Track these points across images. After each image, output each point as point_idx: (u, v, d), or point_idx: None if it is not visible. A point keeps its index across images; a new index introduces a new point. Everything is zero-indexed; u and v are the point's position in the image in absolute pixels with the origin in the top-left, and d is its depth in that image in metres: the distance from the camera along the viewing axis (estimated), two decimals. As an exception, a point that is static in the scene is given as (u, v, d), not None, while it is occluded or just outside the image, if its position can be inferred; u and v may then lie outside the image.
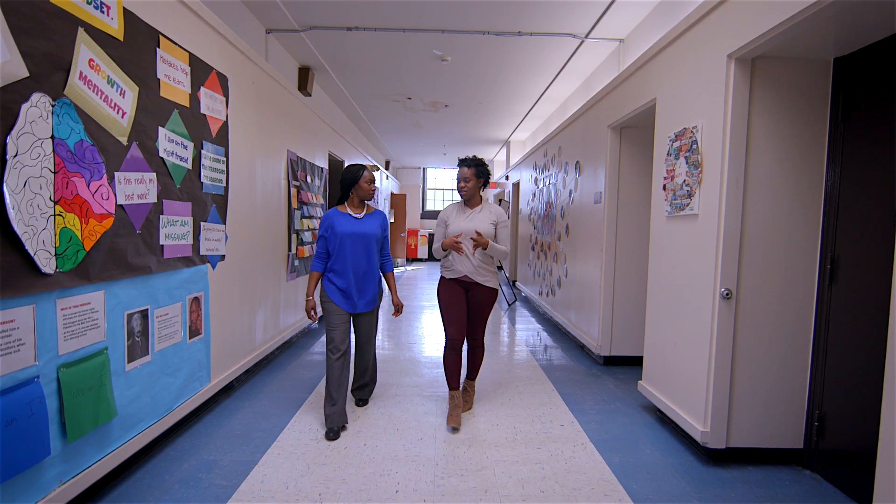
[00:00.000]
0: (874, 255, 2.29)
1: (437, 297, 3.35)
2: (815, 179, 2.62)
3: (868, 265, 2.35)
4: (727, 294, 2.63)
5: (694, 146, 2.87)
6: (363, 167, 3.17)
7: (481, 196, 3.35)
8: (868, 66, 2.40)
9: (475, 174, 3.22)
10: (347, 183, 3.17)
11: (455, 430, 3.12)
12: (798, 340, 2.68)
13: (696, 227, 2.87)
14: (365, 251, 3.12)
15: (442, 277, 3.34)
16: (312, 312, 3.17)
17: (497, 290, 3.28)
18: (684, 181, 2.98)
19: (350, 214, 3.15)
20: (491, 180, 3.19)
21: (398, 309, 3.37)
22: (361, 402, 3.50)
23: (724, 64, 2.60)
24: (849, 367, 2.46)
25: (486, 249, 3.13)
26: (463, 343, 3.29)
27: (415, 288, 10.11)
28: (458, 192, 3.27)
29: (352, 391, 3.50)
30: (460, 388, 3.37)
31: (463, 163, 3.26)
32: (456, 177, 3.28)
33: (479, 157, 3.28)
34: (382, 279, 3.38)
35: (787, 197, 2.63)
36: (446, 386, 3.94)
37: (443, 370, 4.37)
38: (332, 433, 2.98)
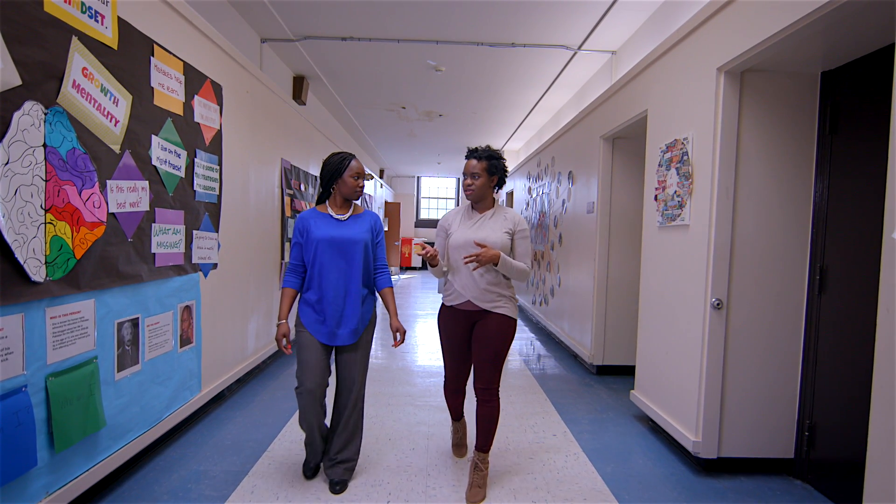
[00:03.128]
0: (862, 265, 2.32)
1: (437, 329, 2.68)
2: (803, 190, 2.66)
3: (856, 275, 2.38)
4: (718, 304, 2.65)
5: (685, 157, 2.90)
6: (348, 156, 2.44)
7: (494, 198, 2.61)
8: (854, 80, 2.44)
9: (486, 169, 2.47)
10: (328, 176, 2.44)
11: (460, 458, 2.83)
12: (788, 350, 2.70)
13: (687, 237, 2.89)
14: (347, 262, 2.40)
15: (442, 305, 2.62)
16: (285, 340, 2.41)
17: (515, 320, 2.50)
18: (675, 192, 3.00)
19: (331, 216, 2.45)
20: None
21: (399, 335, 2.50)
22: (339, 485, 2.49)
23: (714, 77, 2.64)
24: (838, 377, 2.47)
25: (496, 265, 2.38)
26: (464, 387, 2.70)
27: (408, 296, 10.09)
28: (464, 191, 2.53)
29: (325, 468, 2.56)
30: (463, 418, 2.87)
31: (472, 154, 2.51)
32: (463, 173, 2.56)
33: (494, 147, 2.55)
34: (374, 300, 2.62)
35: (776, 208, 2.66)
36: (438, 396, 3.94)
37: (434, 379, 4.38)
38: (308, 469, 2.59)
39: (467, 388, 2.78)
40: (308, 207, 5.46)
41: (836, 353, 2.49)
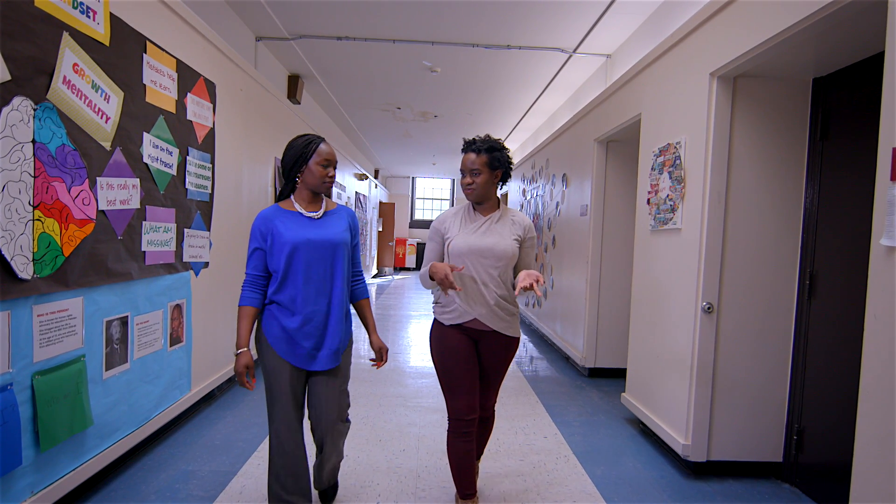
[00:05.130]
0: (851, 270, 2.33)
1: (429, 350, 2.23)
2: (794, 195, 2.67)
3: (846, 281, 2.39)
4: (708, 308, 2.66)
5: (677, 161, 2.91)
6: (315, 139, 2.01)
7: (498, 198, 2.22)
8: (845, 87, 2.46)
9: (487, 163, 2.06)
10: (291, 163, 2.00)
11: None
12: (778, 354, 2.71)
13: (678, 241, 2.91)
14: (330, 270, 1.99)
15: (436, 322, 2.18)
16: (248, 375, 1.91)
17: (519, 338, 2.20)
18: (668, 195, 3.01)
19: (301, 213, 2.00)
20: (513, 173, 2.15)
21: (381, 355, 2.18)
22: (331, 489, 2.33)
23: (707, 82, 2.65)
24: (827, 382, 2.49)
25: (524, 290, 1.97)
26: (476, 420, 2.16)
27: (401, 297, 10.08)
28: (464, 191, 2.14)
29: (317, 491, 2.31)
30: (476, 495, 2.23)
31: (469, 146, 2.10)
32: (461, 170, 2.14)
33: (496, 138, 2.14)
34: (351, 315, 2.16)
35: (767, 212, 2.68)
36: (430, 397, 3.93)
37: (426, 380, 4.37)
38: None
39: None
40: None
41: (825, 357, 2.51)
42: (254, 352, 1.98)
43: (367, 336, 2.21)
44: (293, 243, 1.93)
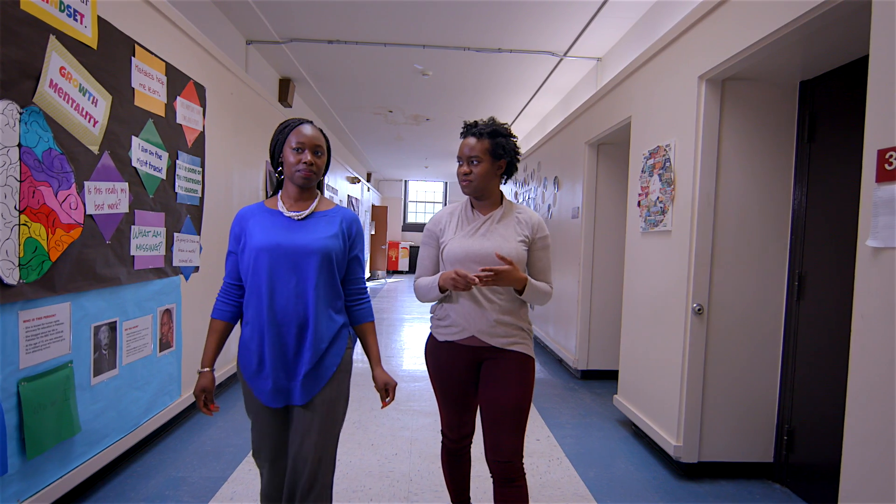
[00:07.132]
0: (839, 271, 2.35)
1: (426, 368, 1.94)
2: (782, 197, 2.70)
3: (833, 282, 2.41)
4: (699, 309, 2.67)
5: (667, 164, 2.93)
6: (292, 122, 1.66)
7: (502, 193, 1.88)
8: (831, 90, 2.48)
9: (489, 150, 1.74)
10: (270, 154, 1.70)
11: None
12: (767, 355, 2.73)
13: (669, 242, 2.92)
14: (303, 284, 1.58)
15: (432, 338, 1.89)
16: (205, 399, 1.63)
17: (534, 360, 1.82)
18: (658, 198, 3.03)
19: (282, 212, 1.64)
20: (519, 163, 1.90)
21: (387, 391, 1.74)
22: None
23: (696, 84, 2.67)
24: (816, 382, 2.51)
25: (522, 293, 1.75)
26: (471, 441, 1.99)
27: (394, 300, 10.06)
28: (460, 182, 1.80)
29: None
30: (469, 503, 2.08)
31: (470, 130, 1.79)
32: (457, 157, 1.82)
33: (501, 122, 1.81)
34: (347, 336, 1.73)
35: (756, 214, 2.70)
36: (422, 401, 3.92)
37: (419, 384, 4.36)
38: None
39: (474, 455, 2.10)
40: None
41: (814, 358, 2.53)
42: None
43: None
44: (258, 248, 1.57)
